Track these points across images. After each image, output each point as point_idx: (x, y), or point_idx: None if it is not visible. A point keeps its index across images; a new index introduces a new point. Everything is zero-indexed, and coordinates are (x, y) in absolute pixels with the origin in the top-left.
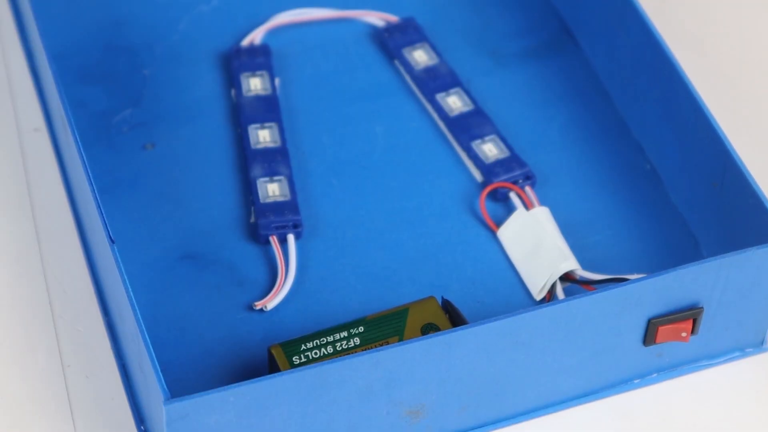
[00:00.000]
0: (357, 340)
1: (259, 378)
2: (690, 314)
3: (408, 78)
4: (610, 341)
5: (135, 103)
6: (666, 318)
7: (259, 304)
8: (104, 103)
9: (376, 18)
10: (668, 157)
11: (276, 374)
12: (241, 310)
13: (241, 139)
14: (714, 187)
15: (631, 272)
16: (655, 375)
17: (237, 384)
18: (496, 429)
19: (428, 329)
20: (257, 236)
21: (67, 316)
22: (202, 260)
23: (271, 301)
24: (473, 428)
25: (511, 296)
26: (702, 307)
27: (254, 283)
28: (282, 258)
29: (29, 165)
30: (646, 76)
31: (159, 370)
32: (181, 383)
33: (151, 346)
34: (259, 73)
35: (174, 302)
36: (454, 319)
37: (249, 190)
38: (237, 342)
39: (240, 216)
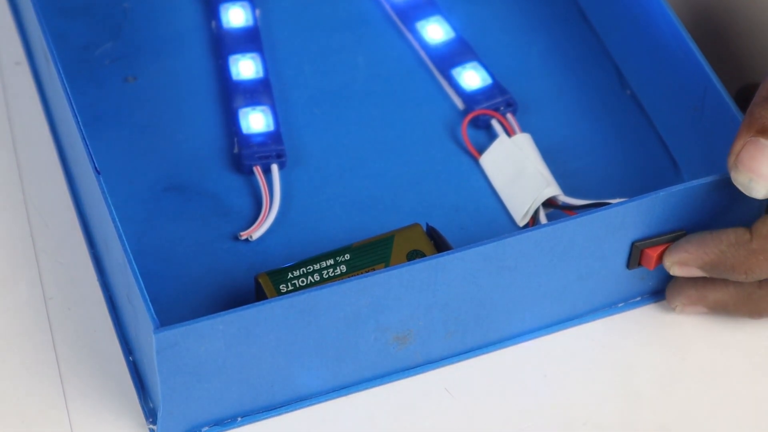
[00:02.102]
0: (343, 268)
1: (247, 305)
2: (673, 237)
3: (388, 7)
4: (595, 265)
5: (116, 36)
6: (649, 241)
7: (244, 234)
8: (85, 37)
9: None
10: (648, 82)
11: (264, 301)
12: (226, 240)
13: (223, 71)
14: (695, 111)
15: (613, 197)
16: (638, 298)
17: (226, 312)
18: (482, 354)
19: (414, 255)
20: (241, 166)
21: (49, 250)
22: (186, 191)
23: (257, 231)
24: (460, 353)
25: (495, 222)
26: (684, 231)
27: (239, 213)
28: (266, 188)
29: (10, 99)
30: (624, 1)
31: (148, 299)
32: (169, 313)
33: (139, 277)
34: (239, 4)
35: (159, 233)
36: (439, 245)
37: (232, 120)
38: (223, 272)
39: (224, 147)
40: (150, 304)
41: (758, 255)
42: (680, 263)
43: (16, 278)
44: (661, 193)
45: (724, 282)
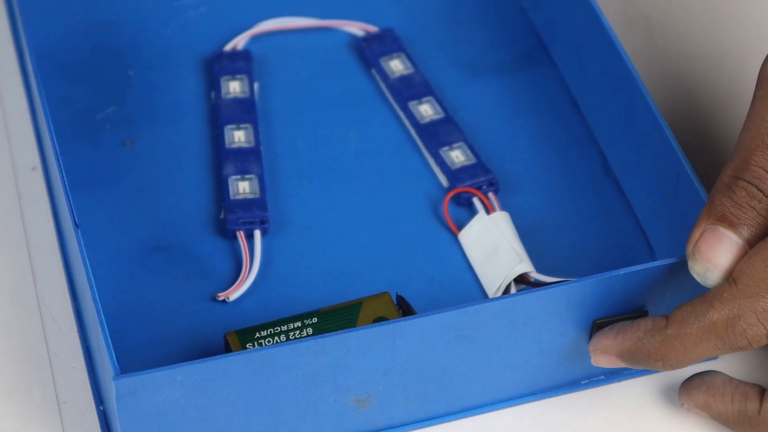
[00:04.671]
0: (310, 330)
1: (205, 358)
2: (633, 317)
3: (383, 86)
4: (556, 341)
5: (118, 102)
6: (610, 320)
7: (221, 295)
8: (89, 101)
9: (357, 28)
10: (629, 168)
11: (221, 356)
12: (204, 301)
13: (217, 139)
14: (668, 197)
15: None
16: (602, 377)
17: (184, 363)
18: (443, 422)
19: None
20: (225, 231)
21: (63, 354)
22: (171, 252)
23: (234, 293)
24: (421, 421)
25: (468, 296)
26: (647, 311)
27: (220, 275)
28: (247, 252)
29: (24, 205)
30: (611, 92)
31: (111, 347)
32: (139, 367)
33: (105, 324)
34: (239, 76)
35: (140, 292)
36: (407, 314)
37: (221, 187)
38: (198, 331)
39: (211, 212)
40: (113, 351)
41: (673, 341)
42: (601, 350)
43: (29, 382)
44: (621, 272)
45: (732, 399)
